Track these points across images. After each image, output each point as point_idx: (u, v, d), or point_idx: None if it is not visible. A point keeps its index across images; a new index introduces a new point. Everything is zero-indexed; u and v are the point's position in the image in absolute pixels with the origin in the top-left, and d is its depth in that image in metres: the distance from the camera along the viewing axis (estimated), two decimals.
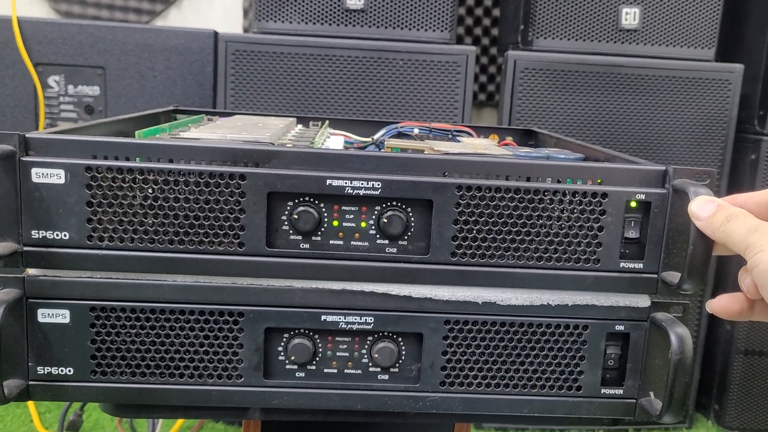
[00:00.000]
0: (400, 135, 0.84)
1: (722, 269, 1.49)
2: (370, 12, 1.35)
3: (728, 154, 1.42)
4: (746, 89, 1.44)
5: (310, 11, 1.34)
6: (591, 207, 0.52)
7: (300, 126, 0.89)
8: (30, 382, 0.51)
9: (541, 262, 0.52)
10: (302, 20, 1.35)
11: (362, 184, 0.51)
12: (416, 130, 0.84)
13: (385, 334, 0.54)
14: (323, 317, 0.53)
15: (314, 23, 1.35)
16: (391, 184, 0.51)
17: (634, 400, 0.55)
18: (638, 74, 1.37)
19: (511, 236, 0.52)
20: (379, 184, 0.51)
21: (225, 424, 1.49)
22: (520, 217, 0.52)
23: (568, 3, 1.37)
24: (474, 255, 0.52)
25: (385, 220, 0.51)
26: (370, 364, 0.54)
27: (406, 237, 0.52)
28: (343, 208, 0.52)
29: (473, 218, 0.51)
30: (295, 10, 1.34)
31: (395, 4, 1.35)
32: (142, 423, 1.37)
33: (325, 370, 0.54)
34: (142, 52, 1.36)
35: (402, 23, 1.36)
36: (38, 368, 0.51)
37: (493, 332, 0.53)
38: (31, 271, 0.51)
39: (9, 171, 0.48)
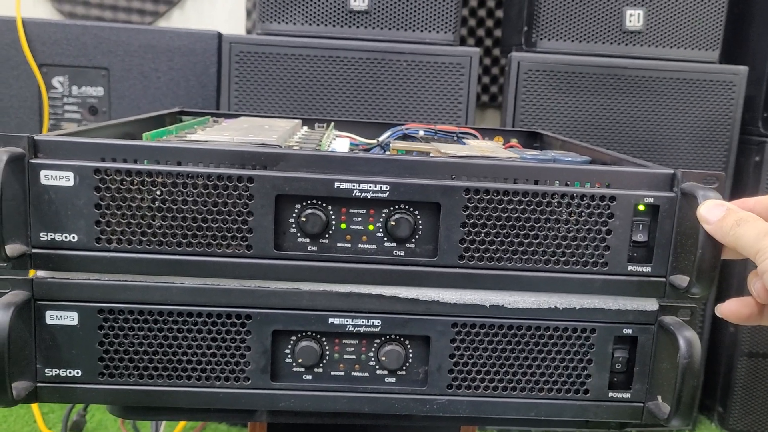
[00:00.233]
0: (405, 137, 0.84)
1: (726, 272, 1.49)
2: (374, 13, 1.35)
3: (732, 155, 1.42)
4: (750, 91, 1.43)
5: (314, 12, 1.34)
6: (599, 210, 0.52)
7: (306, 128, 0.89)
8: (38, 384, 0.51)
9: (549, 266, 0.52)
10: (306, 21, 1.35)
11: (370, 186, 0.51)
12: (421, 132, 0.84)
13: (393, 336, 0.54)
14: (330, 320, 0.53)
15: (318, 24, 1.35)
16: (399, 186, 0.51)
17: (642, 404, 0.55)
18: (642, 76, 1.36)
19: (518, 239, 0.52)
20: (387, 187, 0.51)
21: (228, 425, 1.49)
22: (528, 220, 0.52)
23: (571, 4, 1.37)
24: (482, 258, 0.52)
25: (393, 223, 0.51)
26: (377, 367, 0.54)
27: (413, 240, 0.52)
28: (350, 210, 0.52)
29: (481, 221, 0.51)
30: (299, 12, 1.34)
31: (399, 5, 1.35)
32: (145, 424, 1.37)
33: (332, 373, 0.54)
34: (145, 53, 1.36)
35: (405, 25, 1.36)
36: (46, 370, 0.51)
37: (500, 335, 0.53)
38: (40, 273, 0.51)
39: (18, 173, 0.48)
